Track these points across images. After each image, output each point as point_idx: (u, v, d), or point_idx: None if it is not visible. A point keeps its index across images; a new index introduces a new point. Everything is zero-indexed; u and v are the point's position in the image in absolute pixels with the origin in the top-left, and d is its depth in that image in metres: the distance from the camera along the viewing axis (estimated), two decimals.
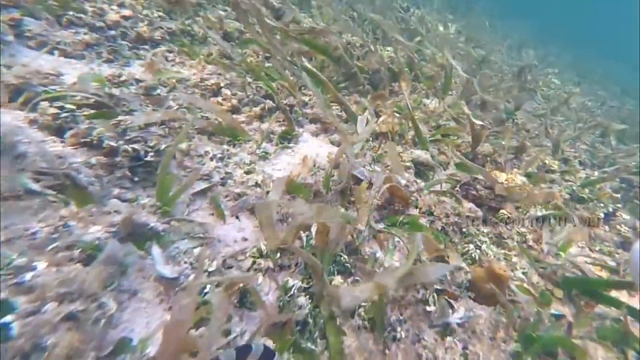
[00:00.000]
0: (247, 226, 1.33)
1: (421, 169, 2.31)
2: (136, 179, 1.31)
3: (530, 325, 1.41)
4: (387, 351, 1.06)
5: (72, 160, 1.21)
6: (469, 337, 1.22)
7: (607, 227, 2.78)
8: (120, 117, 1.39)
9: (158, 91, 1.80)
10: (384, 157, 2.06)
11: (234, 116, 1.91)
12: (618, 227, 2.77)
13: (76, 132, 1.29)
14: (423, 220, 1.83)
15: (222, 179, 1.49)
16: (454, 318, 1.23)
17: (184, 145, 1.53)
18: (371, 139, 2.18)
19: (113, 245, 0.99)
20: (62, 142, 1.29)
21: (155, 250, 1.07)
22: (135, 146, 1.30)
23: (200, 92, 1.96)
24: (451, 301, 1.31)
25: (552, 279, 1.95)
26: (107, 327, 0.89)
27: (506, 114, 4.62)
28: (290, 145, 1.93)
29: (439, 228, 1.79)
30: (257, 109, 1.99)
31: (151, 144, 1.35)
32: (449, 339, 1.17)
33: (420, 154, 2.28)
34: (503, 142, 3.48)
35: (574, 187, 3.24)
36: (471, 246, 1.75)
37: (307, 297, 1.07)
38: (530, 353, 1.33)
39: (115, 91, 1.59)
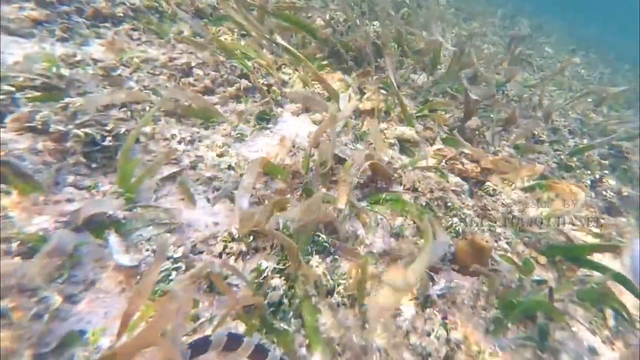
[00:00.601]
0: (219, 210, 1.32)
1: (406, 146, 2.30)
2: (94, 165, 1.27)
3: (511, 292, 1.46)
4: (366, 325, 1.10)
5: (14, 146, 1.17)
6: (449, 308, 1.27)
7: (593, 194, 2.84)
8: (67, 100, 1.32)
9: (119, 72, 1.71)
10: (368, 135, 2.05)
11: (208, 97, 1.85)
12: (604, 192, 2.83)
13: (17, 116, 1.23)
14: (407, 197, 1.85)
15: (192, 162, 1.45)
16: (434, 290, 1.27)
17: (148, 129, 1.47)
18: (354, 117, 2.16)
19: (60, 236, 0.96)
20: (2, 127, 1.23)
21: (113, 238, 1.05)
22: (88, 130, 1.25)
23: (170, 73, 1.88)
24: (432, 274, 1.35)
25: (537, 247, 2.01)
26: (53, 321, 0.87)
27: (497, 86, 4.58)
28: (269, 126, 1.89)
29: (423, 203, 1.81)
30: (232, 89, 1.93)
31: (108, 128, 1.30)
32: (428, 310, 1.21)
33: (405, 130, 2.26)
34: (492, 115, 3.48)
35: (562, 156, 3.28)
36: (455, 219, 1.78)
37: (282, 278, 1.10)
38: (510, 318, 1.39)
39: (67, 72, 1.50)
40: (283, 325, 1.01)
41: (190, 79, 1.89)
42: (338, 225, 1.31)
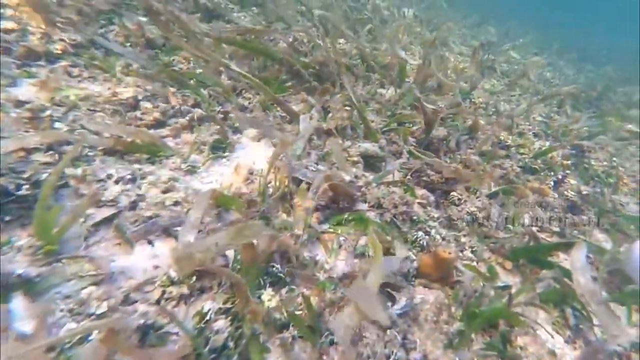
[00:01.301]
0: (161, 252, 1.26)
1: (371, 162, 2.38)
2: (8, 218, 1.18)
3: (473, 302, 1.51)
4: (324, 357, 1.11)
5: None
6: (409, 326, 1.29)
7: (556, 194, 3.00)
8: None
9: (48, 112, 1.64)
10: (331, 155, 2.11)
11: (158, 130, 1.85)
12: (566, 192, 3.00)
13: None
14: (372, 214, 1.90)
15: (132, 202, 1.39)
16: (394, 310, 1.30)
17: (79, 171, 1.41)
18: (315, 138, 2.22)
19: None
20: None
21: (17, 302, 0.97)
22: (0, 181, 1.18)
23: (114, 108, 1.85)
24: (393, 293, 1.38)
25: (501, 252, 2.10)
26: None
27: (463, 95, 4.83)
28: (225, 154, 1.90)
29: (388, 220, 1.87)
30: (184, 120, 1.93)
31: (26, 175, 1.24)
32: (389, 332, 1.23)
33: (368, 146, 2.35)
34: (457, 123, 3.66)
35: (527, 160, 3.47)
36: (420, 233, 1.85)
37: (228, 319, 1.07)
38: (473, 329, 1.44)
39: None
40: None
41: (137, 113, 1.87)
42: (293, 252, 1.32)
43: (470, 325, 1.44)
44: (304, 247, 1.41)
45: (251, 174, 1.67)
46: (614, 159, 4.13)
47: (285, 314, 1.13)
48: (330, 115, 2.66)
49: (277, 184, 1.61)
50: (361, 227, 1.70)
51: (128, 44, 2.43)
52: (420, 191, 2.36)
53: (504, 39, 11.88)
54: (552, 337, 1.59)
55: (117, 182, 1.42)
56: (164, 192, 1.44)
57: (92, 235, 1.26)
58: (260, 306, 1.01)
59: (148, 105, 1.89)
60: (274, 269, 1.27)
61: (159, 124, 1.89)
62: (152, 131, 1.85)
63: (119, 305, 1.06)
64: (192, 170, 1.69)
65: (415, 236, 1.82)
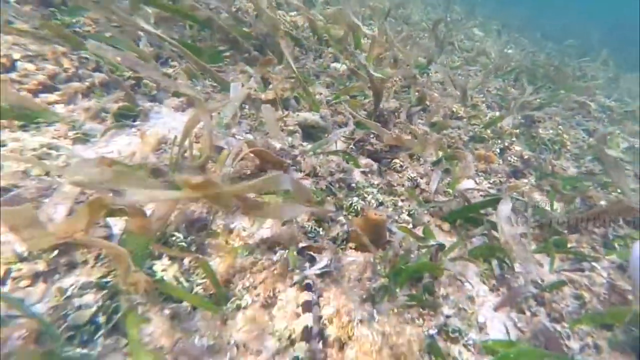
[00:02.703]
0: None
1: (313, 132, 2.37)
2: None
3: (400, 258, 1.58)
4: (228, 321, 1.10)
5: None
6: (327, 285, 1.32)
7: (500, 161, 3.18)
8: None
9: None
10: (264, 125, 2.07)
11: (45, 95, 1.66)
12: (509, 158, 3.18)
13: None
14: (306, 183, 1.90)
15: None
16: (312, 270, 1.32)
17: None
18: (248, 107, 2.15)
19: None
20: None
21: None
22: None
23: None
24: (314, 255, 1.40)
25: (439, 215, 2.19)
26: None
27: (421, 70, 4.92)
28: (136, 123, 1.78)
29: (323, 187, 1.88)
30: (79, 85, 1.74)
31: None
32: (305, 292, 1.24)
33: (308, 116, 2.33)
34: (410, 96, 3.73)
35: (477, 129, 3.63)
36: (355, 199, 1.88)
37: (102, 293, 1.00)
38: (398, 284, 1.50)
39: None
40: (83, 350, 0.92)
41: (13, 75, 1.64)
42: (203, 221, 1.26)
43: (396, 281, 1.50)
44: (217, 215, 1.37)
45: (165, 143, 1.59)
46: (560, 127, 4.43)
47: (185, 283, 1.10)
48: (271, 85, 2.60)
49: (197, 152, 1.55)
50: (290, 195, 1.69)
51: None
52: (364, 160, 2.40)
53: (469, 16, 12.20)
54: (473, 286, 1.70)
55: None
56: (30, 162, 1.28)
57: None
58: (141, 275, 0.96)
59: (29, 66, 1.69)
60: (175, 238, 1.22)
61: (47, 88, 1.69)
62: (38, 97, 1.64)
63: None
64: (83, 139, 1.55)
65: (350, 202, 1.84)
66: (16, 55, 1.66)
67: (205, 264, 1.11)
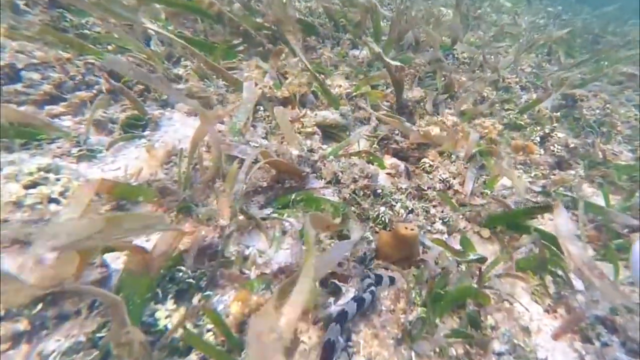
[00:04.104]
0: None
1: (333, 132, 2.10)
2: None
3: (437, 282, 1.32)
4: None
5: None
6: (355, 325, 1.09)
7: (542, 150, 2.74)
8: None
9: None
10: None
11: (50, 107, 1.50)
12: (552, 147, 2.73)
13: None
14: (329, 192, 1.66)
15: None
16: (337, 306, 1.09)
17: None
18: (262, 108, 1.91)
19: None
20: None
21: None
22: None
23: None
24: (339, 283, 1.18)
25: (477, 220, 1.88)
26: None
27: (445, 50, 4.37)
28: (145, 133, 1.58)
29: (347, 196, 1.63)
30: (85, 94, 1.56)
31: None
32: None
33: (327, 114, 2.04)
34: (436, 82, 3.29)
35: (512, 115, 3.16)
36: (382, 208, 1.61)
37: (93, 354, 0.83)
38: (437, 313, 1.25)
39: None
40: None
41: (19, 86, 1.48)
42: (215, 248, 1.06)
43: (434, 310, 1.25)
44: (230, 240, 1.18)
45: (175, 155, 1.39)
46: (608, 105, 3.79)
47: (193, 330, 0.93)
48: (287, 81, 2.33)
49: (210, 164, 1.35)
50: (312, 207, 1.46)
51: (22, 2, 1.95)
52: (389, 160, 2.11)
53: None
54: (528, 310, 1.42)
55: None
56: (28, 186, 1.13)
57: None
58: (137, 333, 0.79)
59: (34, 75, 1.52)
60: (181, 274, 1.03)
61: (53, 99, 1.53)
62: (44, 109, 1.49)
63: None
64: (89, 156, 1.38)
65: (377, 212, 1.59)
66: (20, 65, 1.51)
67: (212, 313, 0.93)
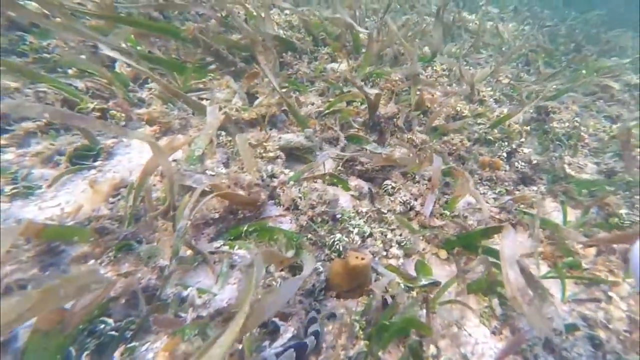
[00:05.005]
0: None
1: (298, 154, 2.09)
2: None
3: (383, 313, 1.33)
4: None
5: None
6: None
7: (507, 166, 2.76)
8: None
9: None
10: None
11: None
12: (516, 164, 2.76)
13: None
14: (286, 219, 1.66)
15: None
16: (272, 350, 1.08)
17: None
18: (223, 134, 1.89)
19: None
20: None
21: None
22: None
23: None
24: (280, 323, 1.17)
25: (435, 242, 1.90)
26: None
27: (424, 62, 4.37)
28: (96, 163, 1.53)
29: (303, 224, 1.63)
30: (32, 124, 1.50)
31: None
32: None
33: (291, 137, 2.03)
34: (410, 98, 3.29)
35: (482, 130, 3.17)
36: (338, 235, 1.62)
37: None
38: (380, 346, 1.26)
39: None
40: None
41: None
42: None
43: (378, 342, 1.26)
44: (170, 281, 1.16)
45: (125, 186, 1.36)
46: (577, 118, 3.83)
47: None
48: (258, 101, 2.31)
49: (162, 196, 1.33)
50: (265, 238, 1.46)
51: None
52: (354, 181, 2.11)
53: None
54: (470, 335, 1.44)
55: None
56: None
57: None
58: None
59: None
60: (102, 326, 0.98)
61: None
62: None
63: None
64: (25, 193, 1.32)
65: (332, 240, 1.59)
66: None
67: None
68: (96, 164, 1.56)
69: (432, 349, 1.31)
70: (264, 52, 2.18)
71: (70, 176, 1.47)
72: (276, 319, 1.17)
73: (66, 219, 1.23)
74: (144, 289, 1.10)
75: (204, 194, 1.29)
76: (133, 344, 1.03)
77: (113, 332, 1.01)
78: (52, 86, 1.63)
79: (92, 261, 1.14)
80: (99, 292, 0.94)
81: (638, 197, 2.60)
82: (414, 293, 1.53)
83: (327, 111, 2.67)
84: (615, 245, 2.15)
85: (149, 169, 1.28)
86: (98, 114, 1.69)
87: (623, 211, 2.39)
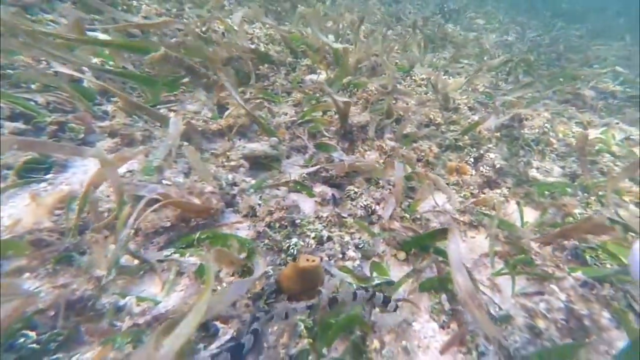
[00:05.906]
0: None
1: (264, 162, 2.15)
2: None
3: (330, 312, 1.37)
4: None
5: None
6: None
7: (473, 171, 2.83)
8: None
9: None
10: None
11: None
12: (482, 168, 2.82)
13: None
14: (243, 225, 1.70)
15: None
16: (207, 352, 1.10)
17: None
18: (185, 144, 1.94)
19: None
20: None
21: None
22: None
23: None
24: (221, 325, 1.20)
25: (394, 244, 1.95)
26: None
27: (403, 72, 4.49)
28: (48, 176, 1.51)
29: (260, 230, 1.67)
30: None
31: None
32: None
33: (256, 146, 2.10)
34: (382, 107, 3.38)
35: (454, 137, 3.24)
36: (294, 240, 1.66)
37: None
38: (325, 343, 1.30)
39: None
40: None
41: None
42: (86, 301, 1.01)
43: (322, 339, 1.30)
44: (107, 291, 1.16)
45: (73, 199, 1.38)
46: (547, 124, 3.93)
47: None
48: (227, 113, 2.38)
49: (114, 206, 1.37)
50: (218, 245, 1.50)
51: None
52: (319, 188, 2.16)
53: (468, 5, 11.13)
54: (418, 330, 1.48)
55: None
56: None
57: None
58: None
59: None
60: (23, 340, 0.92)
61: None
62: None
63: None
64: None
65: (288, 244, 1.63)
66: None
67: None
68: (47, 176, 1.55)
69: (375, 343, 1.35)
70: (224, 69, 2.25)
71: (17, 190, 1.45)
72: (217, 322, 1.20)
73: (3, 232, 1.22)
74: (78, 300, 1.11)
75: (155, 203, 1.34)
76: (56, 356, 1.00)
77: (33, 345, 0.97)
78: (8, 101, 1.65)
79: (26, 274, 1.15)
80: (17, 305, 0.94)
81: (593, 198, 2.67)
82: (364, 293, 1.57)
83: (300, 120, 2.75)
84: (565, 242, 2.21)
85: (95, 181, 1.32)
86: (55, 127, 1.70)
87: (577, 211, 2.45)
